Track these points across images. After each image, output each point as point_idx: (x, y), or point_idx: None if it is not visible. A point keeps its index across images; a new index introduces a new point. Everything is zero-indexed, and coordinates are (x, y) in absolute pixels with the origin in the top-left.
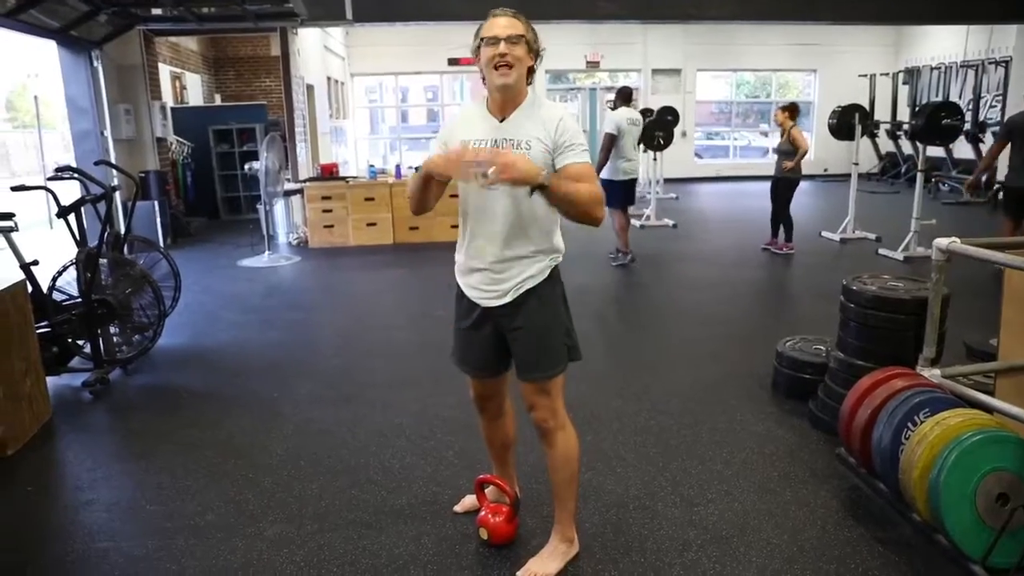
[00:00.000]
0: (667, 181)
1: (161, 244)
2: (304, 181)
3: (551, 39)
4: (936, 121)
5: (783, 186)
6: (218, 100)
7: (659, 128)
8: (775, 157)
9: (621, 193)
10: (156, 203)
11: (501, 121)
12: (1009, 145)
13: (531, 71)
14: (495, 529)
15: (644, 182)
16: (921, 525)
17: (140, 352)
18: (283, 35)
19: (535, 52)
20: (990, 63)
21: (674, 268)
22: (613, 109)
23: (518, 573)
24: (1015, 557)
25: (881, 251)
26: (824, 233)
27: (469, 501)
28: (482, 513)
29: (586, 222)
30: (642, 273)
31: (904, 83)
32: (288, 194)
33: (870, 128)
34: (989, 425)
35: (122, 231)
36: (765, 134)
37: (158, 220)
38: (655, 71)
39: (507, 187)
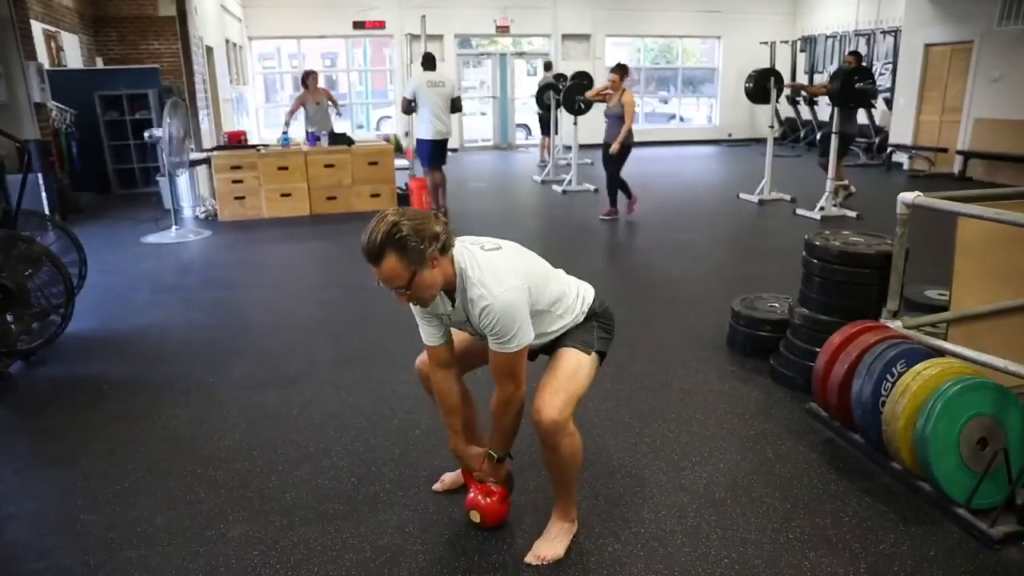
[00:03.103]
0: (581, 147)
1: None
2: (210, 150)
3: (460, 3)
4: (851, 85)
5: (617, 151)
6: (100, 64)
7: (580, 92)
8: (606, 122)
9: (431, 151)
10: (40, 176)
11: (453, 306)
12: None
13: (444, 249)
14: (488, 510)
15: (561, 148)
16: (901, 473)
17: (48, 340)
18: None
19: (431, 255)
20: (881, 32)
21: (604, 233)
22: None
23: (527, 558)
24: (997, 497)
25: (799, 211)
26: (742, 195)
27: (449, 478)
28: (471, 495)
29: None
30: (577, 239)
31: (802, 51)
32: (193, 164)
33: (785, 92)
34: (965, 373)
35: (13, 206)
36: (665, 101)
37: (43, 195)
38: (565, 36)
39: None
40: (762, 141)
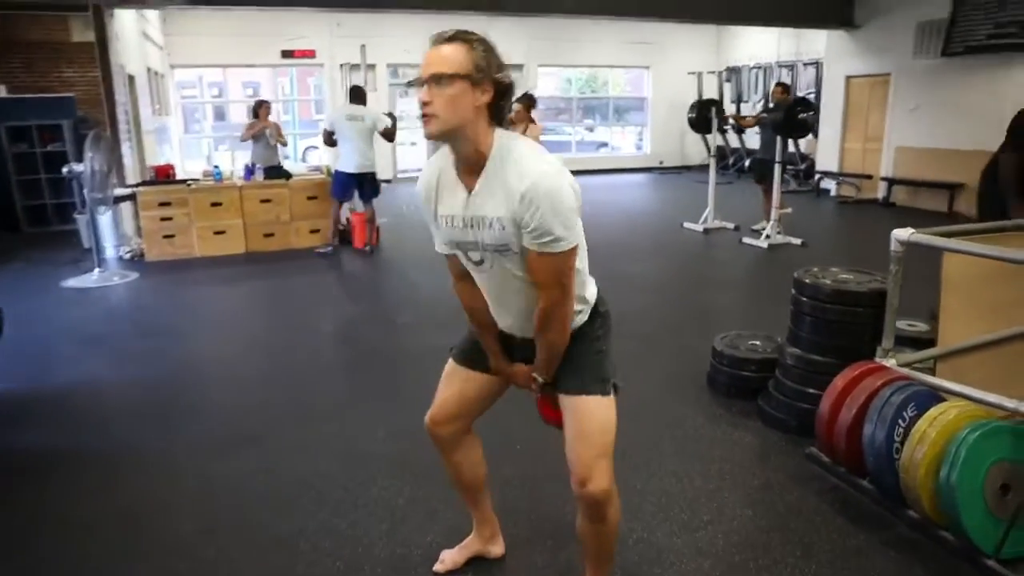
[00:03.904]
0: None
1: None
2: (135, 185)
3: (390, 31)
4: (794, 116)
5: None
6: (2, 92)
7: None
8: None
9: (336, 183)
10: None
11: (470, 194)
12: None
13: (493, 109)
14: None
15: None
16: (919, 522)
17: None
18: (98, 16)
19: (493, 83)
20: (803, 64)
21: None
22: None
23: None
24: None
25: (745, 240)
26: (686, 224)
27: (450, 557)
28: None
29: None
30: None
31: (727, 80)
32: (117, 200)
33: (726, 121)
34: (979, 416)
35: None
36: (591, 129)
37: None
38: None
39: (519, 284)
40: (693, 168)
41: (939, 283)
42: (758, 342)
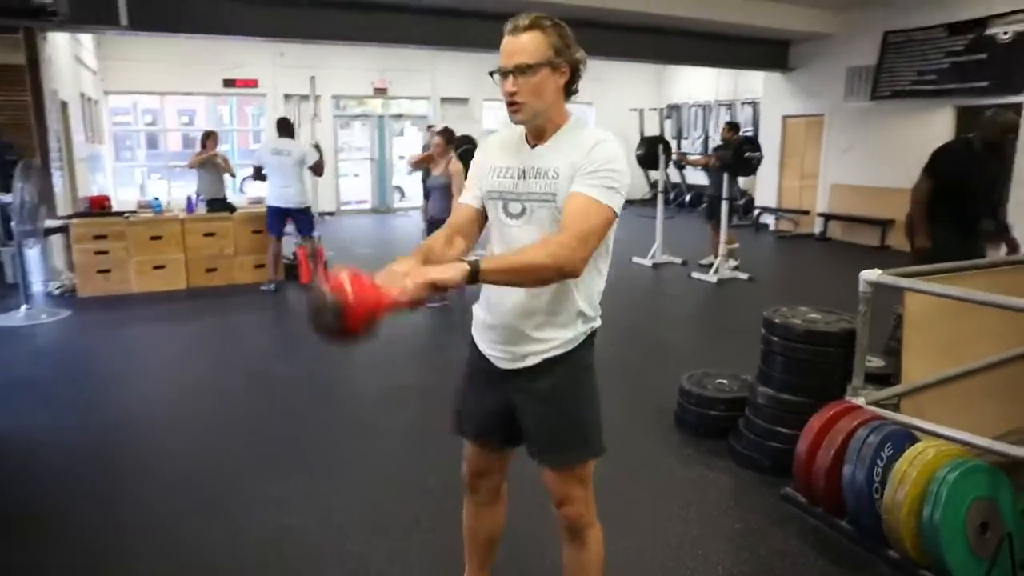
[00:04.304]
0: None
1: None
2: (68, 217)
3: (334, 62)
4: (742, 155)
5: None
6: None
7: (471, 156)
8: (431, 194)
9: (269, 218)
10: None
11: (533, 148)
12: None
13: (569, 88)
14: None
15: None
16: (900, 562)
17: None
18: (29, 38)
19: (570, 63)
20: (740, 103)
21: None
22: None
23: None
24: None
25: (694, 274)
26: (635, 259)
27: None
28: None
29: (553, 282)
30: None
31: (667, 117)
32: (48, 233)
33: (673, 158)
34: (957, 455)
35: None
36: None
37: None
38: (444, 99)
39: (535, 228)
40: (635, 203)
41: (890, 319)
42: (725, 380)
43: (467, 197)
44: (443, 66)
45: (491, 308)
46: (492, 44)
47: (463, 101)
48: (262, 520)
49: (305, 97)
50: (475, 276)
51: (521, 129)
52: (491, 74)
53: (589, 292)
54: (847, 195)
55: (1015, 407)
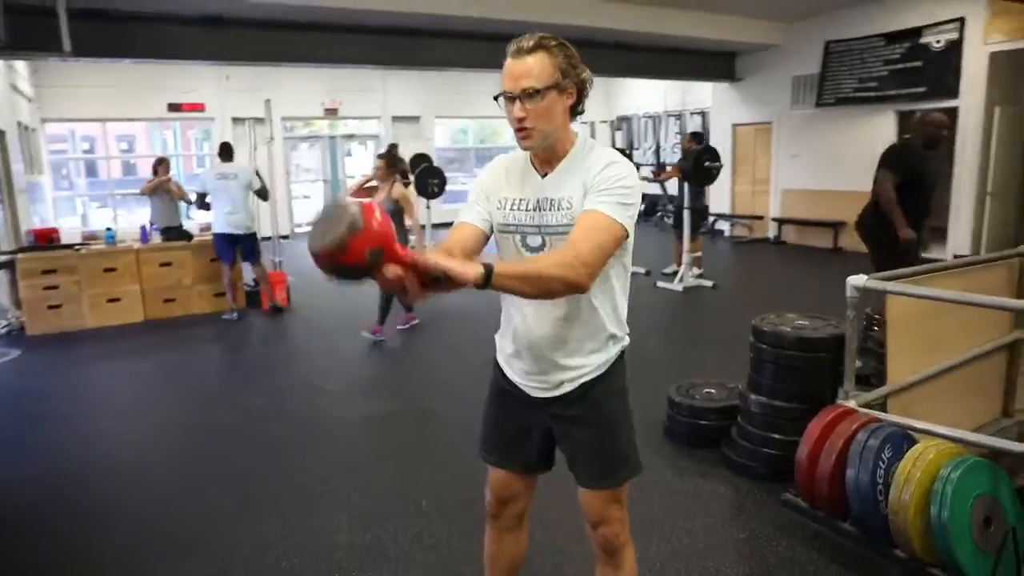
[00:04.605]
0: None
1: None
2: (13, 252)
3: (282, 84)
4: (701, 164)
5: None
6: None
7: (431, 176)
8: None
9: (219, 246)
10: None
11: (543, 177)
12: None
13: (575, 109)
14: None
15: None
16: (907, 562)
17: None
18: None
19: (577, 84)
20: (690, 113)
21: (479, 311)
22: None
23: None
24: (1007, 574)
25: (659, 284)
26: None
27: None
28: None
29: (561, 295)
30: (457, 323)
31: (618, 129)
32: None
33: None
34: (956, 453)
35: None
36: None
37: None
38: (395, 118)
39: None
40: None
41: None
42: (713, 390)
43: (470, 216)
44: (394, 84)
45: (517, 338)
46: (443, 62)
47: (415, 119)
48: (252, 565)
49: (259, 120)
50: (488, 280)
51: (525, 153)
52: (496, 98)
53: (616, 312)
54: (798, 199)
55: (986, 401)
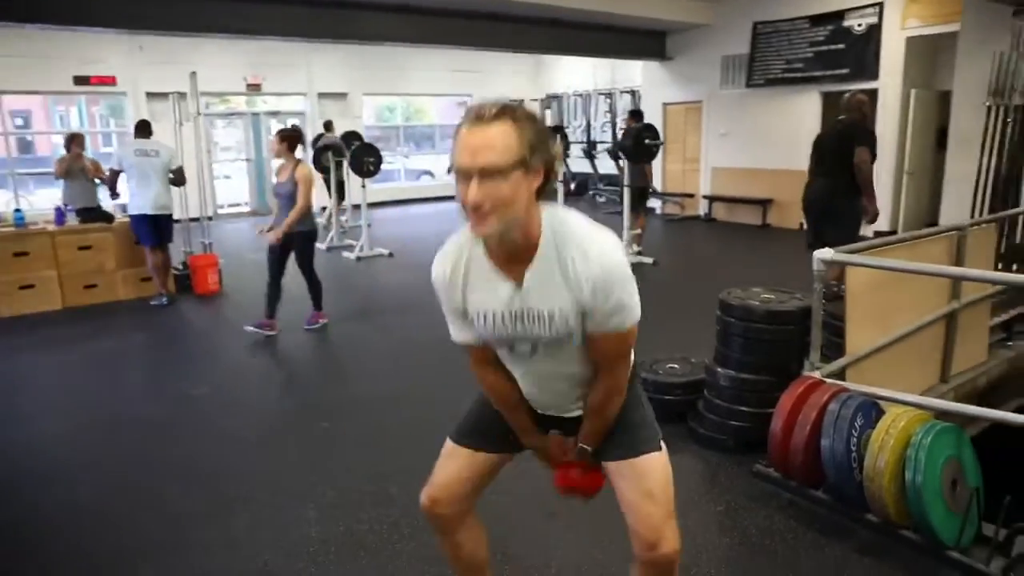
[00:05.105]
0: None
1: None
2: None
3: (199, 57)
4: (641, 142)
5: (301, 241)
6: None
7: (367, 154)
8: (276, 202)
9: (139, 229)
10: None
11: (515, 285)
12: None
13: (541, 192)
14: (584, 484)
15: (339, 212)
16: (879, 525)
17: None
18: None
19: (545, 163)
20: (620, 92)
21: (427, 302)
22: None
23: None
24: (970, 533)
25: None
26: None
27: None
28: (559, 474)
29: None
30: (395, 316)
31: (547, 107)
32: None
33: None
34: (925, 419)
35: None
36: (407, 156)
37: None
38: (321, 95)
39: (572, 368)
40: None
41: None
42: (676, 365)
43: (466, 336)
44: (319, 59)
45: (526, 394)
46: (373, 36)
47: (342, 96)
48: (222, 564)
49: (181, 95)
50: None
51: (477, 244)
52: (448, 171)
53: None
54: (728, 177)
55: (928, 368)
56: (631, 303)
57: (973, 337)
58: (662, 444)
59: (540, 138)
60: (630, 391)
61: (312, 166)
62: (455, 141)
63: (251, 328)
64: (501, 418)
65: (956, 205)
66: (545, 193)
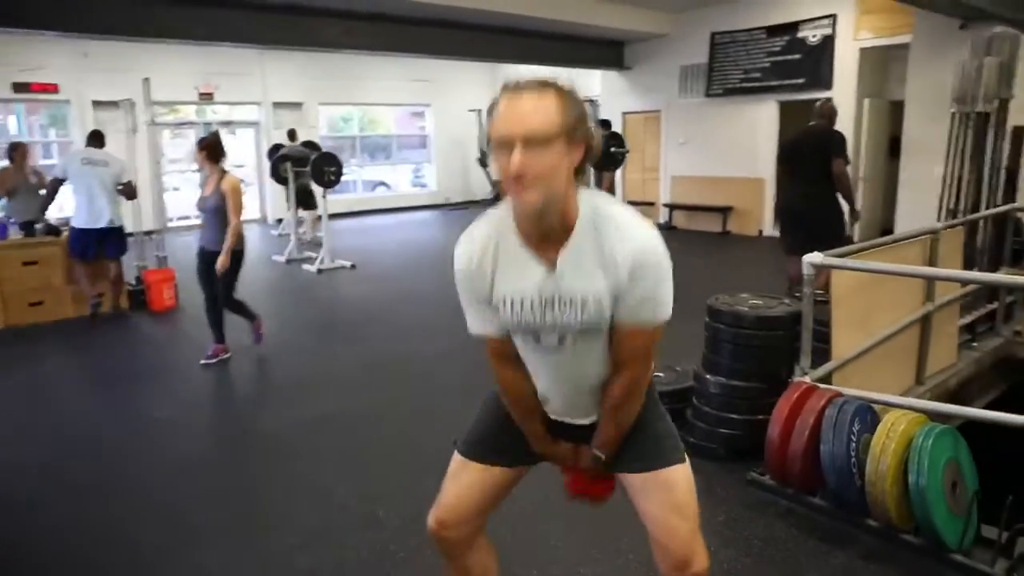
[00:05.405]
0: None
1: None
2: None
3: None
4: (607, 150)
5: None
6: None
7: (327, 163)
8: (201, 217)
9: (79, 242)
10: None
11: (549, 268)
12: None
13: (581, 167)
14: (594, 490)
15: (294, 223)
16: (880, 530)
17: None
18: None
19: (586, 140)
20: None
21: (395, 314)
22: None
23: None
24: (970, 535)
25: None
26: None
27: None
28: (568, 479)
29: None
30: (362, 328)
31: None
32: None
33: None
34: (923, 422)
35: None
36: (361, 166)
37: None
38: (276, 104)
39: (595, 366)
40: (479, 203)
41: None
42: (661, 373)
43: (488, 328)
44: (274, 67)
45: (541, 396)
46: (325, 43)
47: (297, 106)
48: None
49: (132, 103)
50: (601, 459)
51: (510, 223)
52: (480, 156)
53: None
54: (688, 186)
55: (904, 370)
56: (666, 297)
57: (944, 339)
58: (685, 456)
59: (582, 114)
60: (650, 400)
61: (268, 177)
62: (493, 115)
63: (206, 362)
64: (511, 424)
65: (910, 211)
66: (583, 173)
